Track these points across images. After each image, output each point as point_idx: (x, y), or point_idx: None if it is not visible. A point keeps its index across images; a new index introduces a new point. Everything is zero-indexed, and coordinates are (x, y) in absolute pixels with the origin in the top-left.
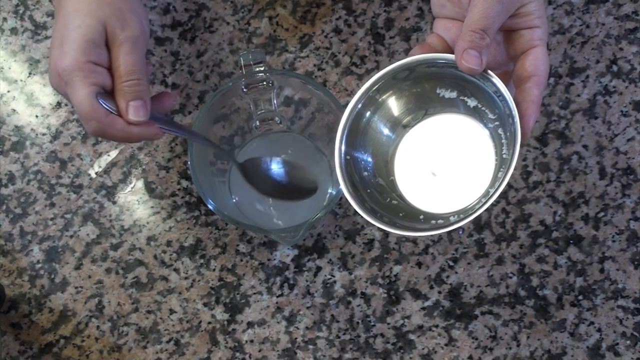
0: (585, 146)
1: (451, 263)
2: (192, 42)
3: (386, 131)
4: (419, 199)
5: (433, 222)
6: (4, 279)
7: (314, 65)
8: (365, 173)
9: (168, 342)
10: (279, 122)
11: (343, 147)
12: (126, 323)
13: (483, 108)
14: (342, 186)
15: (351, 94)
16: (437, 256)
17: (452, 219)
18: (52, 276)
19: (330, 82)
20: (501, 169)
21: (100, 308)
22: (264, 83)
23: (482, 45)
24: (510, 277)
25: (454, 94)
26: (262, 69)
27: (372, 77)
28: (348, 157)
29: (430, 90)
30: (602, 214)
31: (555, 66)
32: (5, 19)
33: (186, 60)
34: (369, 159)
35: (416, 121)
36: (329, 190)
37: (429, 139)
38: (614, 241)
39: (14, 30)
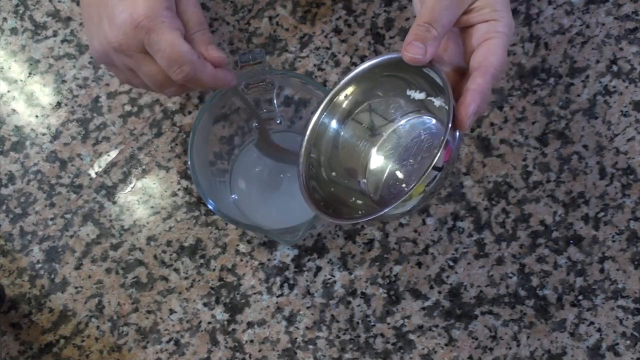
0: (585, 146)
1: (451, 263)
2: None
3: (357, 137)
4: (383, 201)
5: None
6: (4, 279)
7: (314, 65)
8: (333, 173)
9: (168, 342)
10: (279, 122)
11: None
12: (126, 323)
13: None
14: (302, 187)
15: None
16: (437, 256)
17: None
18: (52, 276)
19: (330, 82)
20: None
21: (100, 308)
22: (264, 83)
23: (427, 37)
24: (510, 277)
25: (422, 95)
26: (262, 69)
27: (341, 80)
28: (314, 158)
29: (402, 92)
30: (602, 214)
31: (555, 66)
32: (5, 19)
33: None
34: (335, 162)
35: (387, 126)
36: None
37: (398, 143)
38: (614, 241)
39: (14, 30)
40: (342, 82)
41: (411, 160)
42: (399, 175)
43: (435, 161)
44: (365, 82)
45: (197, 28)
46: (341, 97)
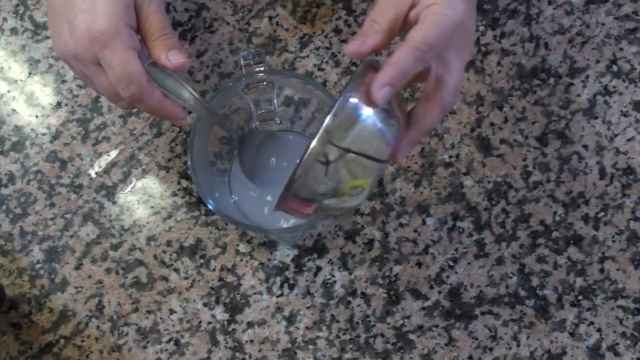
0: (585, 146)
1: (451, 263)
2: (192, 42)
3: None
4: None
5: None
6: (4, 279)
7: (314, 65)
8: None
9: (168, 342)
10: (279, 122)
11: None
12: (126, 323)
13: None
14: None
15: None
16: (437, 256)
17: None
18: (52, 276)
19: (330, 82)
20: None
21: (100, 308)
22: (264, 83)
23: (369, 31)
24: (510, 277)
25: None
26: (262, 69)
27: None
28: None
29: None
30: (602, 214)
31: (555, 66)
32: (5, 19)
33: None
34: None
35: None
36: None
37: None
38: (614, 241)
39: (14, 30)
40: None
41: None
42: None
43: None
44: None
45: (159, 34)
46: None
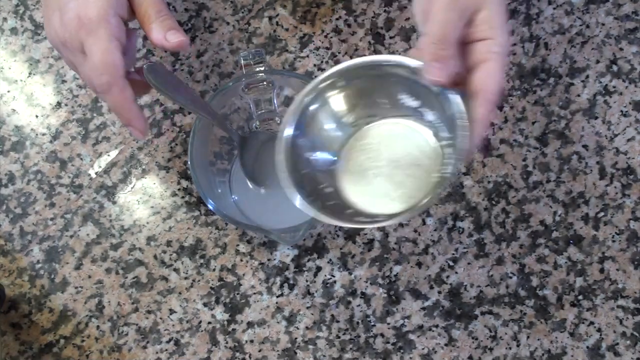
0: (585, 146)
1: (451, 263)
2: (192, 42)
3: (335, 125)
4: (354, 193)
5: (357, 218)
6: (4, 279)
7: (314, 65)
8: (308, 154)
9: (168, 342)
10: (279, 122)
11: (292, 130)
12: (126, 323)
13: (439, 124)
14: (281, 160)
15: None
16: (437, 256)
17: (377, 219)
18: (52, 276)
19: None
20: (440, 187)
21: (100, 308)
22: (264, 83)
23: (444, 55)
24: (510, 277)
25: (415, 104)
26: (262, 69)
27: (333, 68)
28: (295, 137)
29: (393, 93)
30: (602, 214)
31: (555, 66)
32: (5, 19)
33: (186, 60)
34: (315, 143)
35: (369, 121)
36: None
37: (381, 140)
38: (614, 241)
39: (14, 30)
40: (332, 71)
41: (391, 166)
42: (376, 176)
43: (435, 198)
44: (357, 77)
45: (156, 17)
46: (329, 84)
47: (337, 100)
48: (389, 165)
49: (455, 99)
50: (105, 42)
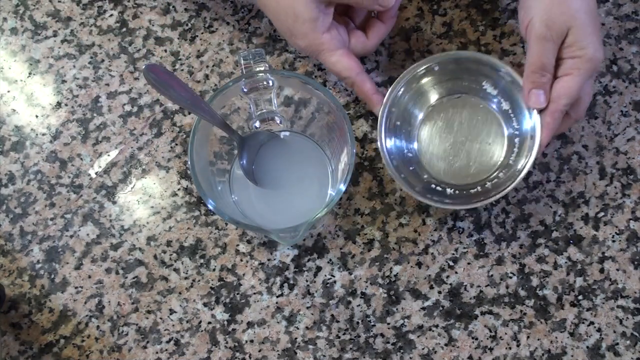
0: (585, 146)
1: (451, 263)
2: (192, 42)
3: (417, 106)
4: (438, 171)
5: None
6: (4, 279)
7: (314, 65)
8: (399, 141)
9: (168, 342)
10: (279, 122)
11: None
12: (126, 323)
13: (512, 115)
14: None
15: (351, 93)
16: (437, 256)
17: (472, 191)
18: (52, 276)
19: (330, 82)
20: (502, 171)
21: (100, 308)
22: (264, 83)
23: (544, 82)
24: (510, 277)
25: (495, 91)
26: (262, 69)
27: (422, 61)
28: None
29: (475, 81)
30: (602, 214)
31: None
32: (5, 19)
33: (186, 60)
34: (405, 129)
35: (447, 99)
36: (329, 191)
37: (456, 118)
38: (614, 241)
39: (14, 30)
40: (426, 60)
41: (462, 139)
42: (460, 152)
43: (525, 170)
44: (447, 64)
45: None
46: (422, 71)
47: (426, 84)
48: (467, 140)
49: (535, 115)
50: (332, 58)
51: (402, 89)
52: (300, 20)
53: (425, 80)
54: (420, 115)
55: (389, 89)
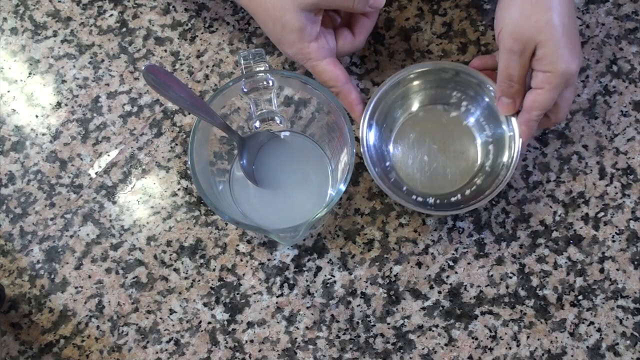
0: (585, 146)
1: (451, 263)
2: (192, 42)
3: (398, 113)
4: (411, 178)
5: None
6: (4, 279)
7: None
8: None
9: (168, 342)
10: (279, 122)
11: (367, 119)
12: (126, 323)
13: (485, 123)
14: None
15: None
16: (437, 256)
17: (436, 201)
18: (52, 276)
19: None
20: (478, 176)
21: (100, 308)
22: (264, 83)
23: (512, 92)
24: (510, 277)
25: (472, 102)
26: (262, 69)
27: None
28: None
29: (454, 90)
30: (602, 214)
31: None
32: (5, 19)
33: (186, 60)
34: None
35: (420, 108)
36: (329, 191)
37: (428, 129)
38: (614, 241)
39: (14, 30)
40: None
41: (435, 146)
42: (427, 160)
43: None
44: (430, 74)
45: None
46: (410, 77)
47: (409, 89)
48: (440, 149)
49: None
50: (319, 67)
51: (389, 89)
52: (287, 29)
53: (414, 84)
54: (401, 120)
55: (377, 88)
